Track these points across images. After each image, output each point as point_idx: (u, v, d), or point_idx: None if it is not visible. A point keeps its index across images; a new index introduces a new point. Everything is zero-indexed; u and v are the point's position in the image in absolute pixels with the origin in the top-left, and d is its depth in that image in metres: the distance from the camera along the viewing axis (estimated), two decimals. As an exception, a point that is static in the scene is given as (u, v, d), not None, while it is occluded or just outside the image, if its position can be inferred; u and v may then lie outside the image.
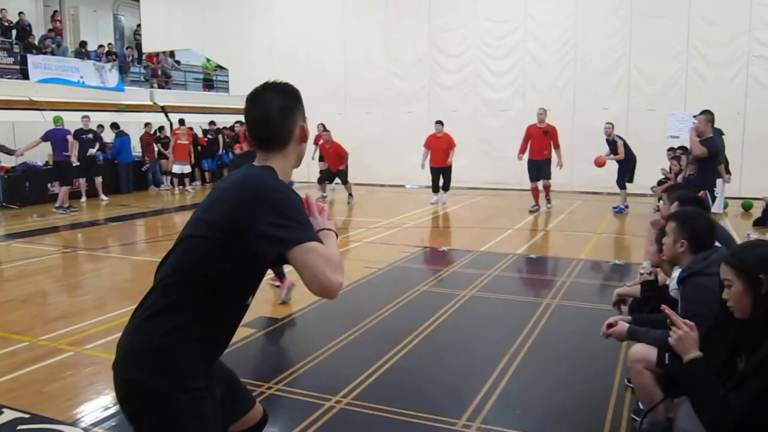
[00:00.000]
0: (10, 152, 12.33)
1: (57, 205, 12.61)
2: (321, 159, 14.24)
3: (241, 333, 5.11)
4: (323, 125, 14.07)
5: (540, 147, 11.93)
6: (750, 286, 2.20)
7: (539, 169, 11.95)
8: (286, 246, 1.70)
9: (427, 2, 15.97)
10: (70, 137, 12.65)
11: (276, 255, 1.74)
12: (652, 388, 3.02)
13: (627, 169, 11.86)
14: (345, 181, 13.74)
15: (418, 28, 16.11)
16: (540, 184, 12.03)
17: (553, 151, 11.92)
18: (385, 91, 16.51)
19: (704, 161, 7.46)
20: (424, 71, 16.24)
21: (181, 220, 12.42)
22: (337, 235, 1.98)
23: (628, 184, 11.93)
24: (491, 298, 6.23)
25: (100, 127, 14.76)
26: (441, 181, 13.38)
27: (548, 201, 12.26)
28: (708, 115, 7.57)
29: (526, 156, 12.14)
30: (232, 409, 2.21)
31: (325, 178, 14.03)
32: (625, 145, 11.75)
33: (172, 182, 16.85)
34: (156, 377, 1.82)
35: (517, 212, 12.13)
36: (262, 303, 6.10)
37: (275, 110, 1.94)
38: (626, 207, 11.87)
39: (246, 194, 1.80)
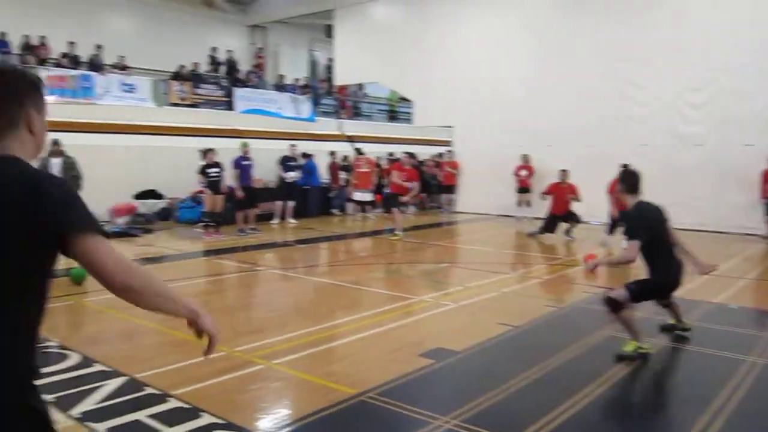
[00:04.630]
0: None
1: (238, 228, 13.42)
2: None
3: (419, 363, 5.13)
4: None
5: None
6: None
7: None
8: None
9: (614, 33, 15.32)
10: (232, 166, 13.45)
11: None
12: None
13: None
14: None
15: (605, 58, 15.45)
16: None
17: None
18: (566, 125, 15.96)
19: None
20: (610, 105, 15.49)
21: (360, 245, 12.87)
22: None
23: None
24: (686, 350, 5.72)
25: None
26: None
27: None
28: None
29: None
30: None
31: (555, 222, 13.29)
32: None
33: (357, 209, 17.50)
34: None
35: (713, 256, 11.05)
36: (440, 334, 6.10)
37: None
38: None
39: None
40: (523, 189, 16.22)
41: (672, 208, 14.20)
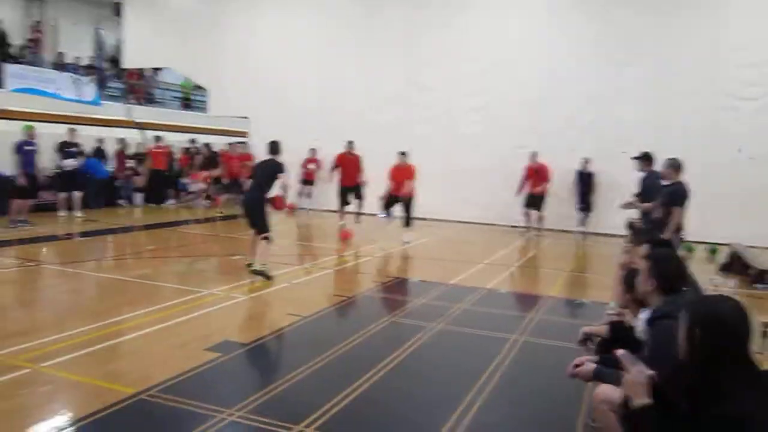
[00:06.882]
0: None
1: (9, 220, 12.07)
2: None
3: (205, 357, 5.03)
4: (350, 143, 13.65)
5: (533, 183, 13.96)
6: (687, 335, 2.27)
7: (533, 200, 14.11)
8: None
9: (404, 36, 16.17)
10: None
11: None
12: (617, 430, 3.02)
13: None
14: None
15: (394, 59, 16.29)
16: (533, 214, 14.05)
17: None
18: (360, 122, 16.50)
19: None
20: (399, 103, 16.31)
21: (149, 238, 12.24)
22: None
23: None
24: (459, 332, 6.23)
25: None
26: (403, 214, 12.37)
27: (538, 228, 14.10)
28: (671, 160, 7.69)
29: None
30: None
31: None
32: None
33: (145, 199, 16.83)
34: None
35: (489, 247, 12.20)
36: (228, 327, 6.02)
37: None
38: None
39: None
40: (307, 181, 16.76)
41: (454, 203, 15.60)
